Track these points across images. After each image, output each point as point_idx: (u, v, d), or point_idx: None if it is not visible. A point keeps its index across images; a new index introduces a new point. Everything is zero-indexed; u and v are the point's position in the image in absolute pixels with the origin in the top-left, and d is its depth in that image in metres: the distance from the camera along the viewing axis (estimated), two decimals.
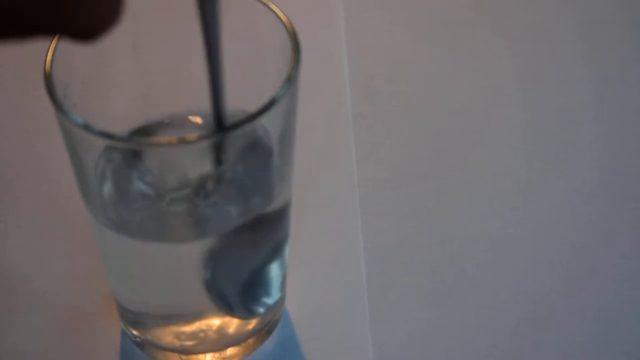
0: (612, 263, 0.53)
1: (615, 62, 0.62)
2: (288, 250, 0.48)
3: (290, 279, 0.50)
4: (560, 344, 0.50)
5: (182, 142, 0.37)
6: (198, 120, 0.45)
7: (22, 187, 0.55)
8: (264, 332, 0.49)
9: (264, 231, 0.44)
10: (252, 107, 0.38)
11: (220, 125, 0.39)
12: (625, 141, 0.58)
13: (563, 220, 0.55)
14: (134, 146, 0.38)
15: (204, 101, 0.41)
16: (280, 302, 0.49)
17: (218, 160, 0.40)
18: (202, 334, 0.47)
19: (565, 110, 0.60)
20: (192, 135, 0.37)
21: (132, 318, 0.48)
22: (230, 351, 0.48)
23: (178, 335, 0.47)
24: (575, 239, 0.54)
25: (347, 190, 0.55)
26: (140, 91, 0.44)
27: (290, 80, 0.39)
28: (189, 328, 0.47)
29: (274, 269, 0.47)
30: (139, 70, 0.43)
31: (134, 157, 0.41)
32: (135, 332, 0.48)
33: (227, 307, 0.46)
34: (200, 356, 0.48)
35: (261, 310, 0.48)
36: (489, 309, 0.51)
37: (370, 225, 0.54)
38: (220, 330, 0.47)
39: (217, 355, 0.48)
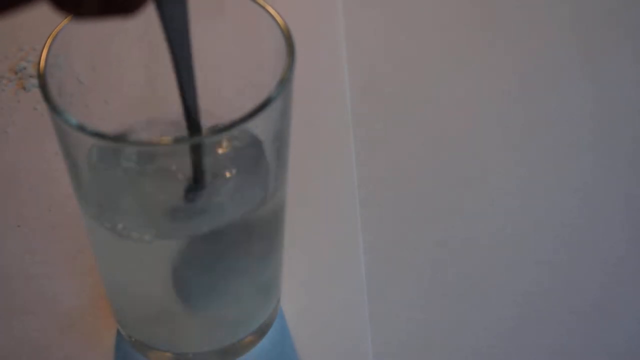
0: (612, 263, 0.53)
1: (613, 63, 0.63)
2: (287, 251, 0.48)
3: (289, 279, 0.50)
4: (560, 344, 0.50)
5: (174, 142, 0.37)
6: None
7: (22, 187, 0.55)
8: (258, 332, 0.49)
9: (259, 233, 0.44)
10: (248, 108, 0.38)
11: (194, 126, 0.39)
12: (625, 141, 0.58)
13: (563, 221, 0.55)
14: (126, 146, 0.38)
15: (201, 100, 0.41)
16: (274, 303, 0.49)
17: (209, 160, 0.40)
18: (196, 334, 0.47)
19: (565, 110, 0.60)
20: (184, 135, 0.37)
21: (126, 318, 0.48)
22: (224, 351, 0.48)
23: (172, 336, 0.47)
24: (574, 239, 0.54)
25: (347, 190, 0.56)
26: (135, 89, 0.44)
27: (284, 81, 0.39)
28: (183, 328, 0.47)
29: (268, 273, 0.47)
30: (135, 69, 0.43)
31: (126, 155, 0.41)
32: (130, 333, 0.48)
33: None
34: (194, 356, 0.48)
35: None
36: (489, 309, 0.51)
37: (370, 225, 0.54)
38: (215, 330, 0.47)
39: (211, 355, 0.48)
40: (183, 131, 0.39)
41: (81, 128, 0.37)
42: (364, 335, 0.50)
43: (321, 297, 0.51)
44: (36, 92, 0.59)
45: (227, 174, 0.43)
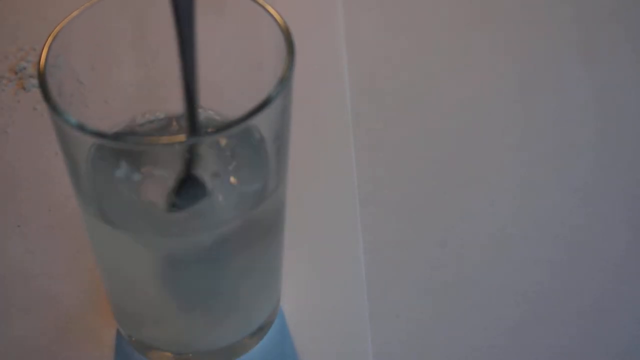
0: (612, 263, 0.53)
1: (613, 63, 0.63)
2: (287, 251, 0.48)
3: (289, 279, 0.50)
4: (560, 343, 0.50)
5: (173, 142, 0.37)
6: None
7: (22, 187, 0.55)
8: (258, 332, 0.49)
9: (259, 232, 0.44)
10: (248, 107, 0.38)
11: (194, 127, 0.39)
12: (624, 141, 0.58)
13: (563, 220, 0.55)
14: (125, 146, 0.38)
15: (201, 100, 0.41)
16: (274, 303, 0.49)
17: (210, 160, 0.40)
18: (196, 334, 0.47)
19: (565, 110, 0.60)
20: (183, 135, 0.37)
21: (126, 317, 0.48)
22: (224, 351, 0.48)
23: (172, 335, 0.47)
24: (574, 239, 0.54)
25: (347, 190, 0.55)
26: (135, 89, 0.44)
27: (284, 81, 0.39)
28: (183, 328, 0.47)
29: (268, 273, 0.47)
30: (134, 69, 0.44)
31: (126, 155, 0.41)
32: (129, 332, 0.48)
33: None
34: (194, 356, 0.48)
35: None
36: (489, 309, 0.51)
37: (370, 225, 0.54)
38: (214, 330, 0.47)
39: (210, 355, 0.48)
40: (184, 130, 0.39)
41: (81, 128, 0.37)
42: (364, 335, 0.50)
43: (321, 297, 0.51)
44: (36, 92, 0.59)
45: (227, 174, 0.43)
